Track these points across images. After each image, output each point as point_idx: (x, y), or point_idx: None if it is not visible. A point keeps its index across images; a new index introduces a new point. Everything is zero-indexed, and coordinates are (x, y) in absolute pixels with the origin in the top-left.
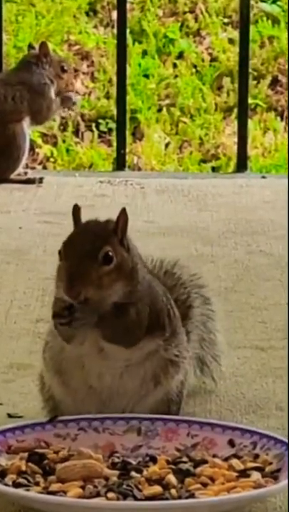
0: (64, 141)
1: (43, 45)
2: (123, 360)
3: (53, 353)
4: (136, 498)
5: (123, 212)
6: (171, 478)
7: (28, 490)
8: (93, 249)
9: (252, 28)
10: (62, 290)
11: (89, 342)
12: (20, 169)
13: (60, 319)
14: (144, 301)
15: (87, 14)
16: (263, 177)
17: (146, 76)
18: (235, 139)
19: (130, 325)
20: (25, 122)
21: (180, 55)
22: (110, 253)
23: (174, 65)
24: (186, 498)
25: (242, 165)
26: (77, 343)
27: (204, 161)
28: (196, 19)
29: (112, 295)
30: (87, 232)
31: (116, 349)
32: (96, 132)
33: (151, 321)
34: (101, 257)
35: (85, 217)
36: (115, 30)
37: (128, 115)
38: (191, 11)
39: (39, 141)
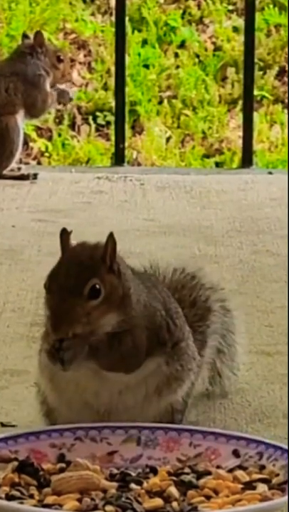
0: (60, 135)
1: (38, 34)
2: (121, 382)
3: (46, 361)
4: None
5: (111, 237)
6: (173, 491)
7: (21, 503)
8: (79, 283)
9: (258, 16)
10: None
11: (84, 366)
12: (13, 164)
13: (50, 358)
14: (140, 326)
15: (84, 1)
16: (270, 173)
17: (147, 66)
18: (240, 133)
19: (127, 353)
20: (19, 115)
21: (182, 44)
22: (97, 286)
23: (176, 55)
24: (189, 511)
25: (247, 160)
26: (72, 369)
27: (207, 156)
28: (198, 6)
29: (103, 328)
30: (73, 262)
31: (115, 375)
32: (93, 125)
33: (151, 341)
34: (87, 292)
35: (81, 214)
36: (114, 18)
37: (127, 107)
38: None
39: (33, 134)
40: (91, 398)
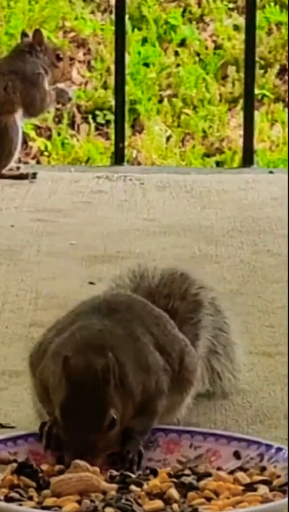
0: (59, 134)
1: (37, 33)
2: None
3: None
4: None
5: (111, 360)
6: (173, 493)
7: (20, 505)
8: (96, 418)
9: (259, 14)
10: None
11: None
12: (12, 164)
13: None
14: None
15: None
16: (271, 172)
17: (147, 65)
18: (241, 132)
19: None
20: (18, 114)
21: (182, 43)
22: (115, 416)
23: (176, 53)
24: None
25: (248, 159)
26: None
27: (208, 155)
28: (199, 4)
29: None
30: (83, 392)
31: None
32: (93, 124)
33: (150, 401)
34: (106, 426)
35: (81, 214)
36: (113, 16)
37: (127, 106)
38: None
39: (32, 133)
40: None
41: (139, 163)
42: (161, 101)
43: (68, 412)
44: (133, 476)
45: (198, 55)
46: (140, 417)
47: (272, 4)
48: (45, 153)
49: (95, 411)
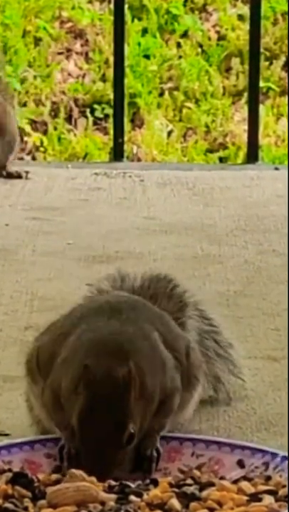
0: (55, 129)
1: None
2: None
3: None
4: None
5: (130, 371)
6: (175, 503)
7: None
8: (116, 433)
9: (264, 3)
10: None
11: None
12: None
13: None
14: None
15: None
16: (276, 168)
17: (147, 57)
18: (246, 127)
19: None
20: None
21: (184, 34)
22: (132, 430)
23: (178, 45)
24: None
25: (253, 155)
26: None
27: (211, 151)
28: None
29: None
30: (104, 405)
31: None
32: (91, 119)
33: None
34: (125, 440)
35: (78, 212)
36: (112, 6)
37: (126, 100)
38: None
39: (28, 128)
40: None
41: (138, 159)
42: (162, 94)
43: (87, 423)
44: (131, 485)
45: (200, 46)
46: (156, 416)
47: None
48: (41, 149)
49: (114, 425)
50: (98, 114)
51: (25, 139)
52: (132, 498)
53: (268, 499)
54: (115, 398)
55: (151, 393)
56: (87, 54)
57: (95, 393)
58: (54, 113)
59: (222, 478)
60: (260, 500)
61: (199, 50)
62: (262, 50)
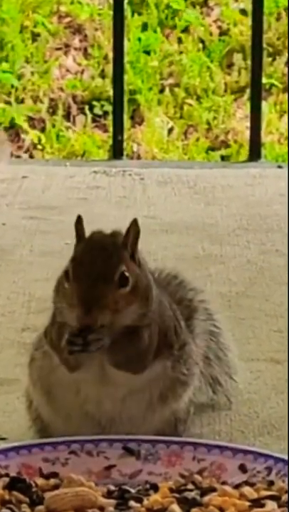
0: (53, 126)
1: None
2: (126, 386)
3: (41, 373)
4: None
5: (135, 223)
6: (175, 509)
7: None
8: (108, 270)
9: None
10: (72, 316)
11: (91, 368)
12: None
13: (73, 346)
14: (156, 322)
15: None
16: (279, 166)
17: (147, 52)
18: (248, 124)
19: (142, 350)
20: None
21: (185, 29)
22: (126, 273)
23: (179, 40)
24: None
25: (255, 153)
26: (81, 371)
27: (212, 149)
28: None
29: (127, 319)
30: (98, 248)
31: (122, 375)
32: (90, 116)
33: (160, 341)
34: (117, 279)
35: (77, 211)
36: (111, 0)
37: (126, 96)
38: None
39: (25, 125)
40: (92, 408)
41: (138, 157)
42: (162, 91)
43: (80, 264)
44: (131, 490)
45: (202, 41)
46: (137, 333)
47: None
48: (39, 147)
49: (108, 266)
50: (97, 111)
51: (23, 136)
52: (132, 503)
53: (271, 505)
54: (108, 243)
55: (147, 284)
56: (86, 49)
57: (88, 240)
58: (52, 110)
59: (224, 483)
60: (262, 505)
61: (201, 45)
62: (265, 45)
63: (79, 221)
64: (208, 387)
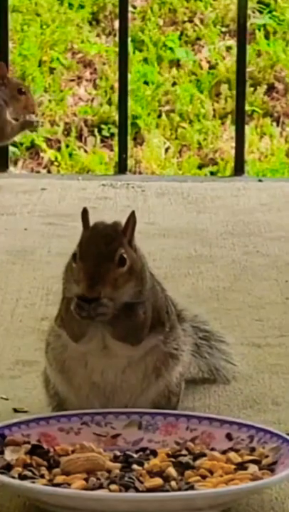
0: (67, 146)
1: (1, 67)
2: (126, 357)
3: (55, 354)
4: (137, 490)
5: (132, 215)
6: (172, 471)
7: (33, 482)
8: (109, 252)
9: (249, 38)
10: (79, 289)
11: (94, 340)
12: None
13: (82, 311)
14: (149, 300)
15: (90, 23)
16: (260, 180)
17: (146, 83)
18: (233, 144)
19: (138, 324)
20: None
21: (178, 64)
22: (124, 255)
23: (173, 73)
24: (186, 489)
25: (239, 169)
26: (84, 341)
27: (203, 165)
28: (194, 29)
29: (125, 295)
30: (101, 234)
31: (122, 346)
32: (98, 137)
33: (153, 318)
34: (117, 259)
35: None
36: (117, 39)
37: (129, 121)
38: (190, 21)
39: (44, 145)
40: (98, 378)
41: (140, 172)
42: (160, 116)
43: (86, 247)
44: (134, 455)
45: (194, 74)
46: (134, 309)
47: (260, 33)
48: (55, 163)
49: (109, 248)
50: (105, 133)
51: (42, 154)
52: (135, 466)
53: (253, 468)
54: (109, 230)
55: (142, 266)
56: (95, 81)
57: (92, 228)
58: (67, 132)
59: (213, 449)
60: (246, 468)
61: (192, 77)
62: (247, 78)
63: (85, 212)
64: (210, 372)
